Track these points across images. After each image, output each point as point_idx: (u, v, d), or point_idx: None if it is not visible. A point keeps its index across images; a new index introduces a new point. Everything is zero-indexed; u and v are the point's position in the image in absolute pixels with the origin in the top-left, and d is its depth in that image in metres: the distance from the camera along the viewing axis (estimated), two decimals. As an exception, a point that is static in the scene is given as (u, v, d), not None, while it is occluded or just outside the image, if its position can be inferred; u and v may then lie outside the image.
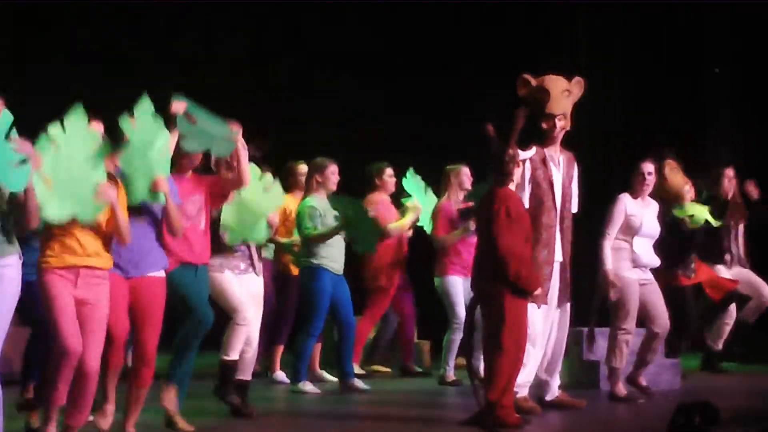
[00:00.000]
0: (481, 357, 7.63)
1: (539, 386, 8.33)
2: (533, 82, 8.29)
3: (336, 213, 9.44)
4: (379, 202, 10.33)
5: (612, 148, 13.10)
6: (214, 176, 7.62)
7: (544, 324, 8.15)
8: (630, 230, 8.88)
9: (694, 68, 13.63)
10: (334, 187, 9.58)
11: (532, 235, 7.60)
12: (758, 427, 6.80)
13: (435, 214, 10.30)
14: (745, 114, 13.22)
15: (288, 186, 9.96)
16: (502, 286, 7.31)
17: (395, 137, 12.94)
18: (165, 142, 6.76)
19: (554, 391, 8.38)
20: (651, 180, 8.99)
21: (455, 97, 13.20)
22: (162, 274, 6.88)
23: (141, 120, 6.69)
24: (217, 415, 7.92)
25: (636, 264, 8.88)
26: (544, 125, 8.27)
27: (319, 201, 9.47)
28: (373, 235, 9.66)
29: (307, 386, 9.50)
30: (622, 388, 8.86)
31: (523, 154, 7.82)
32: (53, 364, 6.16)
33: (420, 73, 13.56)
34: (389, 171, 10.57)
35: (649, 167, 8.99)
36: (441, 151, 11.10)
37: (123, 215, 6.38)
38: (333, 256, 9.52)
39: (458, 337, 9.90)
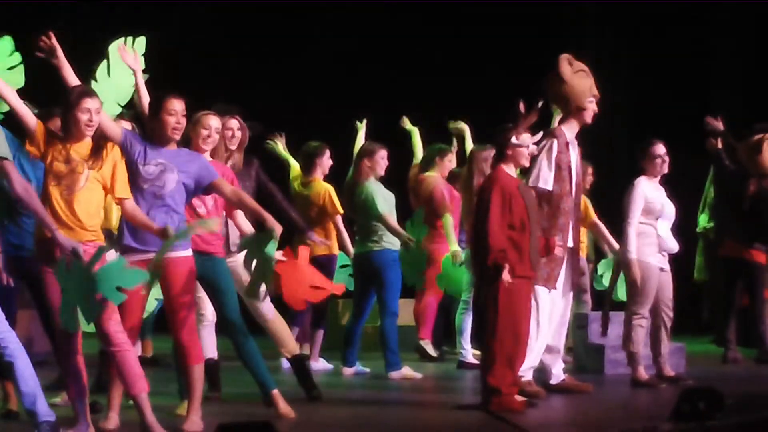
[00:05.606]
0: None
1: (543, 370, 8.28)
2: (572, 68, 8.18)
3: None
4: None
5: (618, 135, 13.12)
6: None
7: (551, 308, 8.09)
8: (652, 214, 8.74)
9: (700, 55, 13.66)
10: (382, 172, 9.58)
11: (529, 218, 7.36)
12: (763, 414, 6.78)
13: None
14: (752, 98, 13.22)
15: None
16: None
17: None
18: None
19: (558, 375, 8.34)
20: (666, 161, 8.81)
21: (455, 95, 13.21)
22: (189, 253, 6.48)
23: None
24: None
25: (660, 248, 8.79)
26: (585, 108, 8.18)
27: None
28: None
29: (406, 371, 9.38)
30: (643, 373, 8.78)
31: (530, 140, 7.54)
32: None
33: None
34: (450, 155, 10.67)
35: (661, 149, 8.81)
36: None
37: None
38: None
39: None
